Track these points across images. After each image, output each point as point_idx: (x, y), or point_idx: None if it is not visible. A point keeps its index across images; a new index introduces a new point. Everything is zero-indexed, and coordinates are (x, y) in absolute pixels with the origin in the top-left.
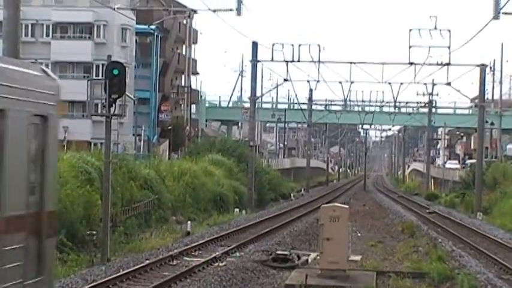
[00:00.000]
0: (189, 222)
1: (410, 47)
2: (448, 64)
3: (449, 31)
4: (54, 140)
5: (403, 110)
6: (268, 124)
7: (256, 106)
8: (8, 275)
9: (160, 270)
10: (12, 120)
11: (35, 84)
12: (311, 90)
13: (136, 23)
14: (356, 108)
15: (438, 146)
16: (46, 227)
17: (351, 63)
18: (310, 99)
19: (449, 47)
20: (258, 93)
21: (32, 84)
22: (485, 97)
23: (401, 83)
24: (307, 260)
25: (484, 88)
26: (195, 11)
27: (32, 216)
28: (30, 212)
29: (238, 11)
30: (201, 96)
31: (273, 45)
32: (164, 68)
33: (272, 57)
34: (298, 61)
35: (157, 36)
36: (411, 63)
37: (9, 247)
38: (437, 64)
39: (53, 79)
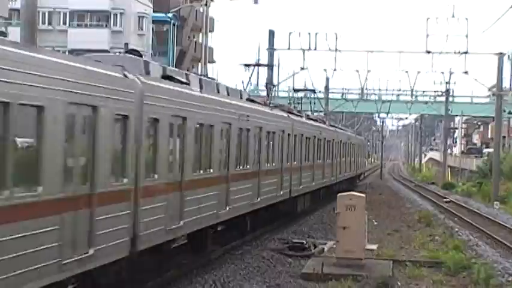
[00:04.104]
0: None
1: (427, 35)
2: (465, 53)
3: (466, 19)
4: None
5: (420, 98)
6: None
7: (273, 94)
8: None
9: None
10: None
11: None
12: (328, 78)
13: (153, 11)
14: (373, 97)
15: (455, 135)
16: None
17: (368, 51)
18: (326, 87)
19: (467, 36)
20: (275, 82)
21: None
22: (503, 86)
23: (419, 72)
24: (323, 249)
25: (502, 77)
26: None
27: None
28: None
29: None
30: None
31: (290, 33)
32: (181, 56)
33: (289, 46)
34: (315, 49)
35: (174, 24)
36: (428, 52)
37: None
38: (455, 53)
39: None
